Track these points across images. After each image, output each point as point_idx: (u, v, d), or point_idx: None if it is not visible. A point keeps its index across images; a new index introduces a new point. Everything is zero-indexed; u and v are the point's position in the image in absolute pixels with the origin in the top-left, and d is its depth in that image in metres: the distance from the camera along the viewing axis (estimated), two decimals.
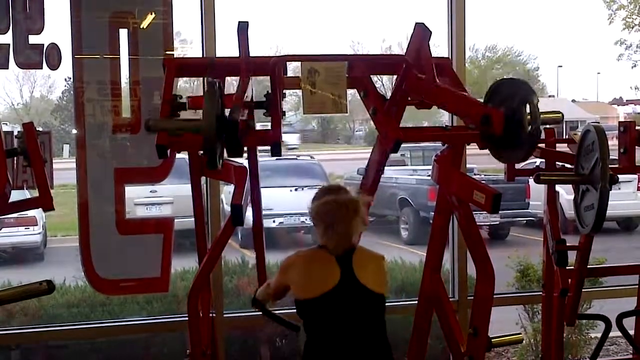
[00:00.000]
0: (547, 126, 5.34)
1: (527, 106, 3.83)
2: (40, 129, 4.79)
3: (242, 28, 4.03)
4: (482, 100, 4.10)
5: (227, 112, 3.52)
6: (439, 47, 5.79)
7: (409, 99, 4.46)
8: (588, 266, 5.35)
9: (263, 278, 4.69)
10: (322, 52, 4.52)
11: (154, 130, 3.68)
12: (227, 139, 3.51)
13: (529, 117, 3.81)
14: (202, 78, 5.00)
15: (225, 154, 3.66)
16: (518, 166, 5.39)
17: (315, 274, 3.77)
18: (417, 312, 4.81)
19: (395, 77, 4.51)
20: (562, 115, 4.13)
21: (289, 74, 4.42)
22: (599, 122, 5.09)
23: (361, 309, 3.74)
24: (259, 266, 4.73)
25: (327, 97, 4.19)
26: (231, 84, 5.41)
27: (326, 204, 3.79)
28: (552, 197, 5.44)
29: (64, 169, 6.02)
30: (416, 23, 4.25)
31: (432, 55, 4.27)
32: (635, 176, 14.36)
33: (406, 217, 15.38)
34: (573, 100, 35.94)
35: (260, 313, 4.45)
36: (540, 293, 5.73)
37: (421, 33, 4.25)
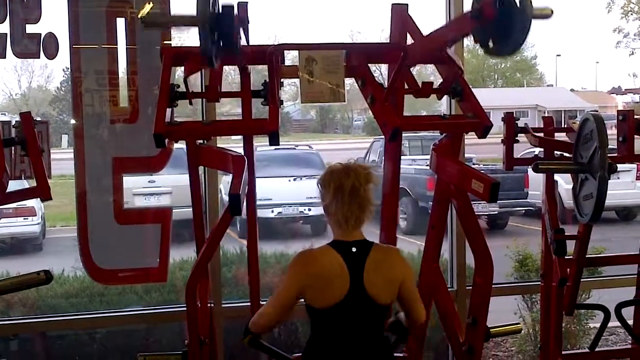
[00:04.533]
0: (546, 115, 5.33)
1: None
2: (38, 119, 4.78)
3: (242, 9, 4.03)
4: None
5: None
6: None
7: (406, 87, 4.46)
8: (587, 256, 5.35)
9: (255, 271, 4.66)
10: (320, 41, 4.53)
11: (150, 25, 3.69)
12: (222, 31, 3.51)
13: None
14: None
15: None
16: (516, 155, 5.38)
17: (324, 283, 3.63)
18: None
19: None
20: (552, 10, 4.08)
21: (287, 62, 4.42)
22: (597, 111, 5.07)
23: (365, 320, 3.69)
24: (250, 259, 4.69)
25: (325, 86, 4.17)
26: (229, 73, 5.41)
27: (335, 168, 3.74)
28: (551, 187, 5.44)
29: (62, 159, 6.02)
30: (392, 4, 4.32)
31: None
32: (634, 165, 14.35)
33: (404, 207, 15.36)
34: (572, 90, 35.94)
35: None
36: (539, 283, 5.72)
37: (398, 10, 4.40)
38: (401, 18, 4.50)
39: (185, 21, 3.78)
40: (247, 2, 4.02)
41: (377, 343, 3.74)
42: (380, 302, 3.67)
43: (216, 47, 3.59)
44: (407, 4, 4.32)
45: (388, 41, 4.78)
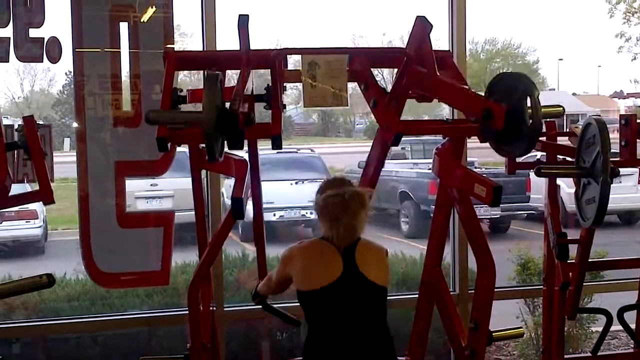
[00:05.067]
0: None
1: (528, 100, 3.81)
2: (41, 122, 4.78)
3: (243, 22, 4.01)
4: (482, 94, 4.08)
5: (227, 105, 3.51)
6: (439, 40, 5.79)
7: (410, 92, 4.45)
8: (589, 260, 5.35)
9: (263, 272, 4.68)
10: (323, 45, 4.52)
11: (155, 123, 3.67)
12: (227, 131, 3.50)
13: (530, 111, 3.79)
14: (202, 71, 5.01)
15: (226, 148, 3.66)
16: (519, 159, 5.38)
17: (318, 265, 3.75)
18: (418, 305, 4.81)
19: (395, 70, 4.51)
20: (563, 109, 4.12)
21: (290, 67, 4.41)
22: (599, 115, 5.09)
23: (363, 302, 3.73)
24: (259, 260, 4.73)
25: (328, 91, 4.18)
26: (232, 77, 5.41)
27: (332, 197, 3.76)
28: (553, 191, 5.44)
29: (64, 162, 6.03)
30: (417, 16, 4.23)
31: (433, 49, 4.25)
32: (637, 169, 14.25)
33: (407, 211, 15.36)
34: (574, 94, 35.91)
35: (261, 307, 4.47)
36: (541, 287, 5.73)
37: (422, 26, 4.22)
38: (422, 35, 4.38)
39: (191, 120, 3.79)
40: (248, 15, 4.02)
41: (378, 327, 3.77)
42: (375, 282, 3.75)
43: (221, 144, 3.58)
44: (432, 25, 4.25)
45: (393, 45, 4.75)
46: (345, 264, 3.72)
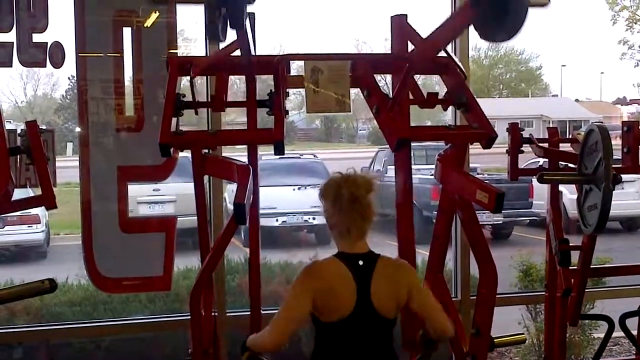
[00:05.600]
0: (550, 125, 5.32)
1: None
2: (44, 127, 4.78)
3: (250, 19, 4.03)
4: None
5: None
6: None
7: (411, 97, 4.46)
8: (591, 266, 5.35)
9: (256, 280, 4.63)
10: (326, 50, 4.54)
11: (158, 1, 3.66)
12: (228, 9, 3.50)
13: None
14: (205, 77, 5.03)
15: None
16: (521, 166, 5.38)
17: (332, 295, 3.55)
18: None
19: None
20: None
21: (293, 72, 4.42)
22: (602, 122, 5.10)
23: (372, 334, 3.62)
24: (251, 268, 4.62)
25: (331, 96, 4.18)
26: (234, 82, 5.42)
27: (335, 177, 3.62)
28: (555, 197, 5.44)
29: (67, 167, 6.03)
30: (391, 17, 4.32)
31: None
32: (639, 176, 14.33)
33: None
34: (576, 100, 35.97)
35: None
36: (543, 293, 5.72)
37: (398, 20, 4.35)
38: (401, 28, 4.50)
39: None
40: (254, 12, 4.03)
41: (384, 350, 3.71)
42: (387, 316, 3.61)
43: (222, 23, 3.57)
44: (405, 14, 4.32)
45: (391, 52, 4.77)
46: (358, 296, 3.54)
